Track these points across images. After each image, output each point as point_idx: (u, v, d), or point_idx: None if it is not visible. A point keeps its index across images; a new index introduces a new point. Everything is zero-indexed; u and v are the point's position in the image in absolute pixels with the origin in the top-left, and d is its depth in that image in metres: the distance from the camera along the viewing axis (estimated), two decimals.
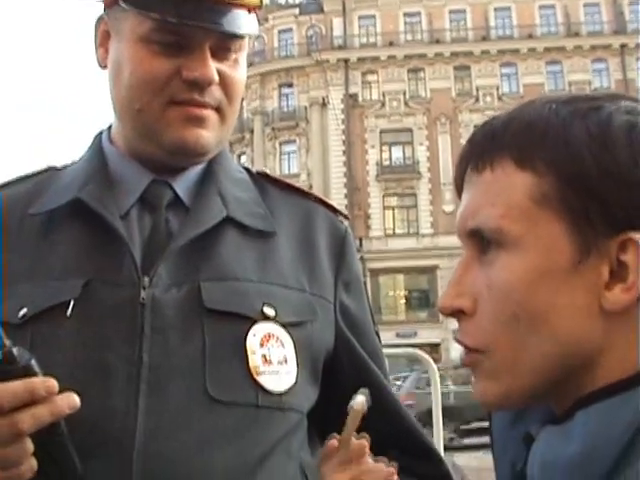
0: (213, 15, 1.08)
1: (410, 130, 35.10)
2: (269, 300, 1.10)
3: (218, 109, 1.13)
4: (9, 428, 0.88)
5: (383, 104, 35.41)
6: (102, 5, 1.17)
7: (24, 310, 1.05)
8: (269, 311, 1.09)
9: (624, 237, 0.70)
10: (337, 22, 36.05)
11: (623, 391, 0.69)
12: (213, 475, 1.01)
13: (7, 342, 0.89)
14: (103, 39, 1.17)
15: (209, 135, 1.12)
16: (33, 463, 0.91)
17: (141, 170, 1.16)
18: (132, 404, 1.00)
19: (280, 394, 1.07)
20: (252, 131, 35.71)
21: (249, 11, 1.13)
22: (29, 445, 0.90)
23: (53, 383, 0.89)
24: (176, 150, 1.11)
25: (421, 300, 33.77)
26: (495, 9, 36.26)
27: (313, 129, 35.27)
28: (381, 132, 35.14)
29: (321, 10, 36.61)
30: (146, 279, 1.06)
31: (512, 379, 0.74)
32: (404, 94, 35.42)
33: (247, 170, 1.26)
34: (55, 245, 1.11)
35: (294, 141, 35.52)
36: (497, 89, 35.52)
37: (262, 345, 1.07)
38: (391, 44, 35.73)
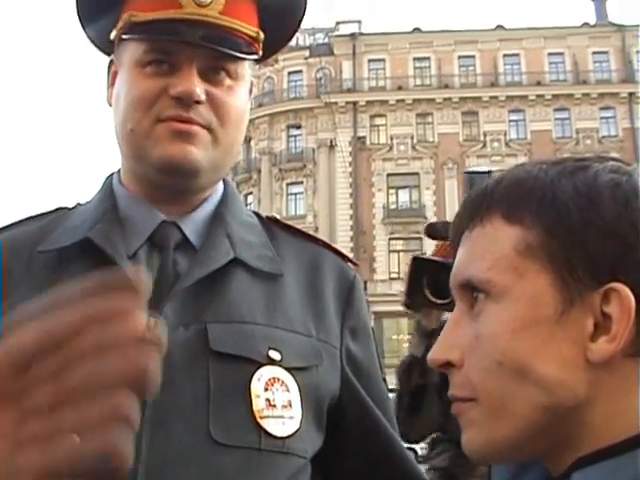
0: (197, 38, 1.11)
1: (417, 174, 35.14)
2: (275, 344, 1.09)
3: (209, 129, 1.13)
4: None
5: (391, 147, 35.50)
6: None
7: None
8: (275, 355, 1.08)
9: (607, 288, 0.72)
10: (347, 65, 36.28)
11: (621, 453, 0.70)
12: None
13: None
14: (113, 79, 1.21)
15: (198, 152, 1.11)
16: None
17: (150, 211, 1.17)
18: (135, 444, 0.91)
19: (283, 438, 1.06)
20: (259, 171, 35.76)
21: (247, 41, 1.16)
22: None
23: None
24: (164, 167, 1.11)
25: None
26: (504, 55, 36.45)
27: (320, 171, 35.33)
28: (388, 175, 35.16)
29: (331, 53, 36.85)
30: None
31: (497, 426, 0.74)
32: (412, 138, 35.52)
33: (256, 214, 1.27)
34: (63, 284, 1.03)
35: (301, 182, 35.56)
36: (505, 135, 35.58)
37: (267, 389, 1.06)
38: (400, 88, 35.90)
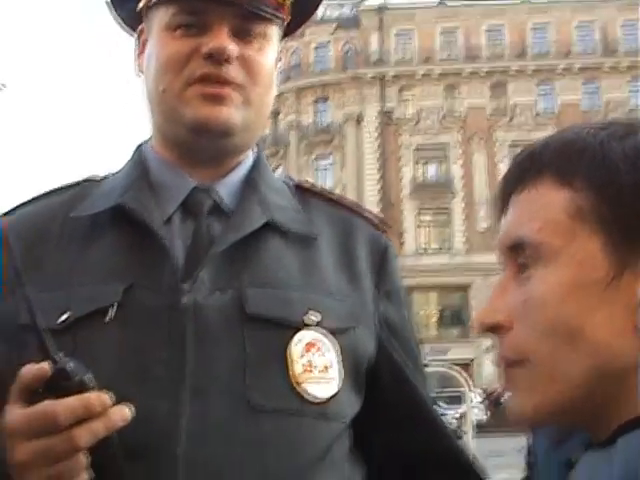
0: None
1: (445, 147, 35.14)
2: (313, 307, 1.09)
3: (240, 88, 1.12)
4: (66, 444, 0.88)
5: (418, 121, 35.47)
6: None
7: (65, 315, 1.05)
8: (312, 318, 1.08)
9: None
10: (373, 38, 36.21)
11: None
12: None
13: (62, 358, 0.90)
14: (142, 48, 1.21)
15: (230, 112, 1.11)
16: (86, 476, 0.91)
17: (183, 176, 1.17)
18: (175, 409, 1.00)
19: (322, 402, 1.05)
20: (287, 145, 35.93)
21: (274, 4, 1.15)
22: (83, 459, 0.90)
23: (107, 398, 0.89)
24: (197, 127, 1.11)
25: (453, 318, 33.75)
26: (532, 26, 36.20)
27: (348, 144, 35.42)
28: (416, 149, 35.21)
29: (358, 25, 36.76)
30: (188, 285, 1.06)
31: (548, 390, 0.74)
32: (439, 111, 35.47)
33: (287, 181, 1.26)
34: (96, 250, 1.11)
35: (329, 156, 35.71)
36: (533, 107, 35.43)
37: (305, 352, 1.06)
38: (427, 61, 35.80)
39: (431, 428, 1.20)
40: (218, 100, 1.11)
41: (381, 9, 36.43)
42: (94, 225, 1.13)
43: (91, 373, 0.91)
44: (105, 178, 1.23)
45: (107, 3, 1.26)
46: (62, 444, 0.88)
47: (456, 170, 34.80)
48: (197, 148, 1.15)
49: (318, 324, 1.08)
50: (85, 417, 0.88)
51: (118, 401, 0.92)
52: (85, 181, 1.24)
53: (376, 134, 34.97)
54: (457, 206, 34.52)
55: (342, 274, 1.15)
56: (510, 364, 0.77)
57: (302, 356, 1.05)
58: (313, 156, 35.92)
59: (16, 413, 0.91)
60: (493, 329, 0.77)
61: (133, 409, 0.91)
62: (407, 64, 35.93)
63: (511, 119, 35.23)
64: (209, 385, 1.02)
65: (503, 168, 33.70)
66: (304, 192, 1.24)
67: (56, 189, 1.24)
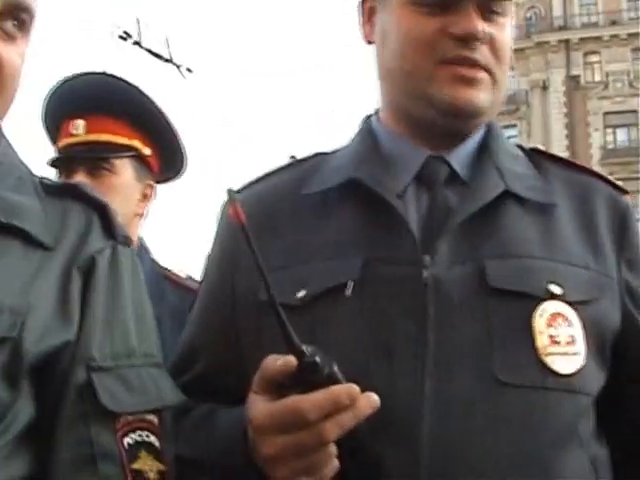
0: None
1: (635, 111, 34.16)
2: (555, 278, 1.05)
3: (488, 70, 1.10)
4: (316, 439, 0.87)
5: (606, 85, 34.58)
6: None
7: (303, 292, 1.05)
8: (556, 289, 1.04)
9: None
10: (557, 2, 35.23)
11: None
12: (502, 460, 0.97)
13: (308, 350, 0.88)
14: (369, 16, 1.19)
15: (481, 96, 1.09)
16: (336, 463, 0.90)
17: (416, 147, 1.14)
18: (419, 385, 0.98)
19: (569, 376, 1.01)
20: None
21: None
22: (333, 449, 0.89)
23: (356, 390, 0.87)
24: (448, 110, 1.09)
25: None
26: None
27: (534, 113, 34.89)
28: (605, 114, 34.41)
29: None
30: (427, 257, 1.03)
31: None
32: (628, 74, 34.44)
33: (519, 146, 1.23)
34: (330, 225, 1.10)
35: (515, 125, 35.11)
36: None
37: (549, 325, 1.02)
38: (614, 23, 34.74)
39: None
40: (470, 83, 1.08)
41: None
42: (327, 200, 1.12)
43: (335, 364, 0.89)
44: (334, 152, 1.22)
45: None
46: (312, 439, 0.87)
47: None
48: (443, 128, 1.12)
49: (561, 295, 1.04)
50: (334, 411, 0.86)
51: (361, 377, 0.90)
52: (314, 155, 1.23)
53: (564, 100, 34.34)
54: None
55: (583, 242, 1.10)
56: None
57: (547, 328, 1.02)
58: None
59: (262, 407, 0.90)
60: None
61: (377, 398, 0.89)
62: (592, 27, 34.96)
63: None
64: (453, 360, 0.99)
65: None
66: (539, 156, 1.20)
67: (286, 165, 1.23)
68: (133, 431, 0.92)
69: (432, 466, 0.96)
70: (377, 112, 1.23)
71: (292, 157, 1.25)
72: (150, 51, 26.11)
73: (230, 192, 0.94)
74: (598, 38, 34.70)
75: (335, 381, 0.88)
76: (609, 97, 34.53)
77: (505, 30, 1.12)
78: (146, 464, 0.92)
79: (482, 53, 1.08)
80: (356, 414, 0.87)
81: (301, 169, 1.20)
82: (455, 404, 0.98)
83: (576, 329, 1.03)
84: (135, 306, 1.01)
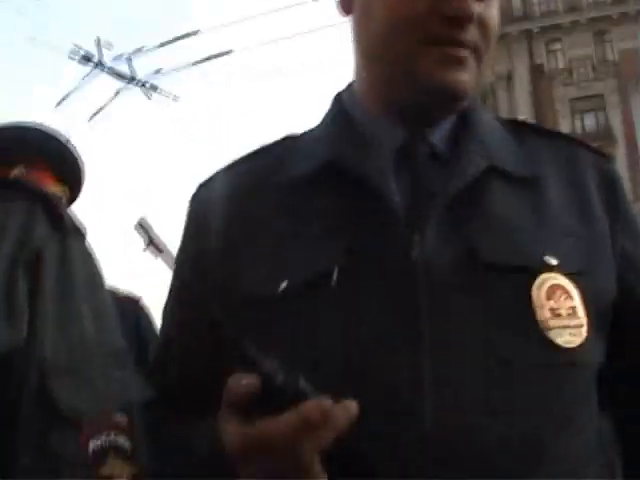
0: None
1: (601, 96, 34.54)
2: (550, 249, 1.01)
3: (476, 50, 1.04)
4: (293, 461, 0.82)
5: (570, 72, 34.89)
6: None
7: (285, 283, 0.99)
8: (552, 260, 1.00)
9: None
10: None
11: None
12: (512, 442, 0.92)
13: (272, 369, 0.83)
14: None
15: (467, 77, 1.03)
16: (319, 469, 0.84)
17: (393, 125, 1.08)
18: (417, 373, 0.93)
19: (573, 349, 0.97)
20: None
21: None
22: (317, 460, 0.84)
23: (327, 404, 0.82)
24: (433, 92, 1.03)
25: None
26: None
27: (501, 103, 35.02)
28: (570, 100, 34.70)
29: None
30: (415, 237, 0.98)
31: None
32: (591, 59, 34.76)
33: (498, 119, 1.17)
34: (310, 211, 1.05)
35: None
36: None
37: (549, 298, 0.98)
38: (573, 9, 35.07)
39: None
40: (457, 63, 1.03)
41: None
42: (304, 186, 1.06)
43: (302, 378, 0.83)
44: (305, 134, 1.16)
45: None
46: (289, 461, 0.82)
47: (615, 118, 34.19)
48: (426, 108, 1.07)
49: (558, 266, 1.00)
50: (307, 431, 0.81)
51: (353, 372, 0.89)
52: (284, 139, 1.17)
53: (529, 89, 34.56)
54: (620, 154, 33.97)
55: (574, 211, 1.07)
56: None
57: (547, 301, 0.98)
58: None
59: (233, 434, 0.86)
60: None
61: (355, 405, 0.83)
62: (552, 15, 35.25)
63: None
64: (452, 343, 0.94)
65: None
66: (519, 128, 1.16)
67: (255, 151, 1.17)
68: (99, 433, 0.86)
69: (437, 460, 0.90)
70: (349, 88, 1.18)
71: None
72: (113, 71, 25.91)
73: (143, 222, 0.90)
74: (558, 25, 34.98)
75: (304, 397, 0.82)
76: (574, 83, 34.75)
77: (494, 8, 1.07)
78: (115, 468, 0.86)
79: (471, 32, 1.03)
80: (332, 428, 0.82)
81: (272, 154, 1.14)
82: (458, 388, 0.93)
83: (576, 301, 0.99)
84: (90, 299, 0.93)
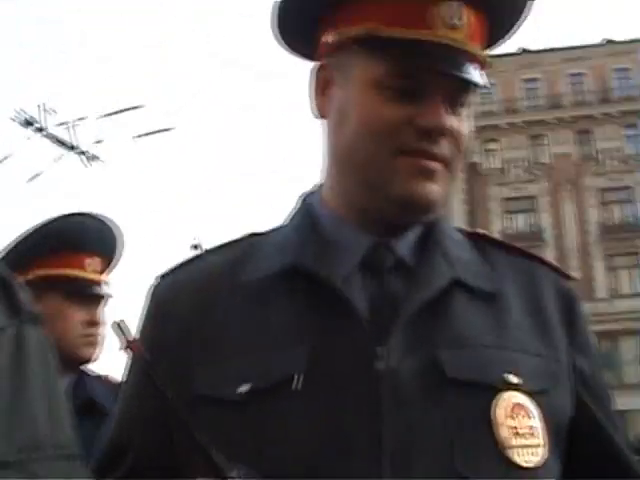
0: (447, 65, 1.03)
1: (534, 197, 34.95)
2: (511, 367, 1.02)
3: (448, 163, 1.05)
4: None
5: (504, 172, 35.36)
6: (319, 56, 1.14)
7: (246, 386, 0.99)
8: (513, 379, 1.00)
9: None
10: None
11: None
12: None
13: (233, 473, 0.86)
14: (324, 87, 1.12)
15: (438, 190, 1.05)
16: None
17: (359, 231, 1.09)
18: (375, 477, 0.93)
19: (532, 468, 0.98)
20: None
21: (480, 67, 1.07)
22: None
23: None
24: (404, 204, 1.04)
25: None
26: (614, 70, 35.90)
27: None
28: (502, 200, 35.08)
29: None
30: (379, 349, 0.98)
31: None
32: (527, 161, 35.25)
33: (460, 230, 1.19)
34: (272, 313, 1.04)
35: None
36: (621, 151, 35.02)
37: (509, 416, 0.98)
38: (512, 111, 35.74)
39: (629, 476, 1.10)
40: (429, 176, 1.04)
41: None
42: (267, 286, 1.06)
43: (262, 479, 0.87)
44: (269, 233, 1.17)
45: (273, 13, 1.13)
46: None
47: (545, 220, 34.53)
48: (395, 219, 1.08)
49: (518, 385, 1.01)
50: None
51: (318, 475, 0.91)
52: (249, 236, 1.18)
53: (464, 187, 34.91)
54: (549, 256, 34.18)
55: (534, 329, 1.08)
56: None
57: (507, 419, 0.98)
58: None
59: None
60: None
61: None
62: (490, 115, 35.87)
63: (598, 164, 34.80)
64: (412, 455, 0.94)
65: (593, 214, 33.53)
66: (481, 241, 1.17)
67: (218, 247, 1.18)
68: None
69: None
70: (315, 191, 1.18)
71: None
72: (54, 137, 25.91)
73: (122, 324, 0.92)
74: (496, 126, 35.56)
75: None
76: (507, 183, 35.21)
77: (465, 122, 1.08)
78: None
79: (443, 147, 1.04)
80: None
81: (235, 251, 1.14)
82: None
83: (536, 420, 1.00)
84: (44, 392, 0.88)
